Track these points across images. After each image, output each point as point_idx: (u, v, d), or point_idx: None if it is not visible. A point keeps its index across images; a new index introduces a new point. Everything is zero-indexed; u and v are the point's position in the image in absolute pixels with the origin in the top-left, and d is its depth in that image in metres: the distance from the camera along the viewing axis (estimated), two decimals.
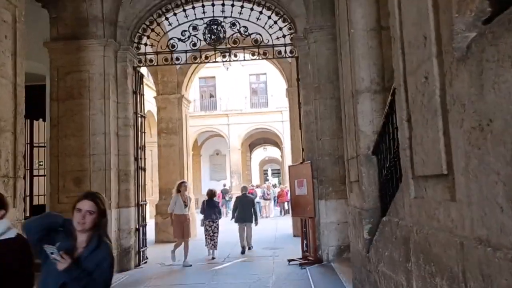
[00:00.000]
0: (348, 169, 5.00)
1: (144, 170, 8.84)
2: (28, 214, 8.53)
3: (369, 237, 4.08)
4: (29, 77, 8.57)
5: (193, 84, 30.39)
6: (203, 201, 9.56)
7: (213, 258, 8.73)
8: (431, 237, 2.30)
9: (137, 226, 8.31)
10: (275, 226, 15.56)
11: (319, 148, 7.69)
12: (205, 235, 9.06)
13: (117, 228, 7.81)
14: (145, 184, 8.83)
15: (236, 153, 29.40)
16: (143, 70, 16.73)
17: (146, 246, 8.72)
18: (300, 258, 7.89)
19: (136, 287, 6.73)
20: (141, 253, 8.45)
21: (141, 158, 8.68)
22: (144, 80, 18.85)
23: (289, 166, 8.55)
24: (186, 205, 8.64)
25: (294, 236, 11.88)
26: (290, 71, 12.15)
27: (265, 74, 30.49)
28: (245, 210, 9.78)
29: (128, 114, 8.22)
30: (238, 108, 29.75)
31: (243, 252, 9.38)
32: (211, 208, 9.18)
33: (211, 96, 30.98)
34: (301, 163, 8.11)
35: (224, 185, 26.76)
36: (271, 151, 40.25)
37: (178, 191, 8.75)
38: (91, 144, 7.64)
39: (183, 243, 8.45)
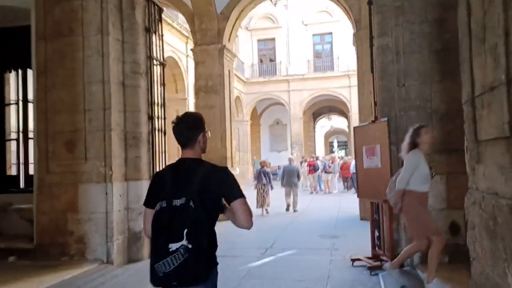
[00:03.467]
0: (473, 116, 2.51)
1: (164, 132, 6.86)
2: (23, 186, 7.03)
3: None
4: (18, 16, 6.92)
5: (251, 48, 28.38)
6: (257, 170, 12.05)
7: (267, 212, 11.08)
8: None
9: None
10: (337, 204, 13.16)
11: (401, 99, 5.14)
12: (257, 197, 11.07)
13: (123, 207, 5.97)
14: (164, 151, 6.87)
15: (297, 122, 26.99)
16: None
17: None
18: (369, 258, 5.53)
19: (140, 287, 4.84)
20: None
21: (158, 117, 6.70)
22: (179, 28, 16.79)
23: (354, 128, 6.08)
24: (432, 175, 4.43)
25: (361, 219, 9.46)
26: (358, 9, 9.41)
27: (330, 33, 27.39)
28: (291, 177, 11.76)
29: (137, 58, 6.21)
30: (300, 72, 27.05)
31: (287, 209, 11.68)
32: (262, 175, 11.27)
33: (270, 60, 28.53)
34: (373, 122, 5.61)
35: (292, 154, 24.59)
36: (336, 121, 37.25)
37: (414, 145, 4.27)
38: (86, 96, 5.77)
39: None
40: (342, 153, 43.97)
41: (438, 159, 4.92)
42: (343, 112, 30.84)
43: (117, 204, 5.79)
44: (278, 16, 27.69)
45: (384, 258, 5.41)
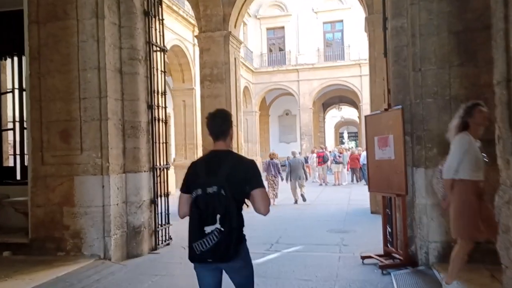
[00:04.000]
0: (508, 99, 2.15)
1: (165, 122, 6.56)
2: (19, 178, 6.80)
3: None
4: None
5: (260, 37, 27.83)
6: (266, 161, 11.87)
7: (274, 204, 10.84)
8: None
9: (153, 198, 6.14)
10: (347, 196, 12.81)
11: (417, 85, 4.74)
12: (268, 187, 10.97)
13: (122, 201, 5.68)
14: (166, 142, 6.57)
15: (307, 113, 26.51)
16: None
17: (169, 223, 6.57)
18: (380, 255, 5.19)
19: (137, 284, 4.57)
20: (160, 232, 6.32)
21: (159, 106, 6.39)
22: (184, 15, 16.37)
23: (366, 117, 5.70)
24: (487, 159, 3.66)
25: (372, 212, 9.11)
26: None
27: (341, 21, 26.71)
28: (296, 171, 11.83)
29: (135, 44, 5.89)
30: (310, 62, 26.50)
31: (296, 202, 11.59)
32: (272, 166, 11.38)
33: (280, 49, 27.99)
34: (386, 110, 5.21)
35: (302, 145, 24.21)
36: (347, 112, 36.61)
37: (465, 126, 3.63)
38: (81, 84, 5.47)
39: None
40: (352, 144, 43.45)
41: None
42: (353, 102, 30.24)
43: (115, 198, 5.52)
44: (288, 3, 27.10)
45: (396, 255, 5.06)
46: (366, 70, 25.19)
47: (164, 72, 6.66)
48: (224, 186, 2.27)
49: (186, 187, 2.46)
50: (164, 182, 6.51)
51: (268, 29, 27.92)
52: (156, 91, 6.30)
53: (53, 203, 5.48)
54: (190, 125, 17.12)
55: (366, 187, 15.93)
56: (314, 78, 26.37)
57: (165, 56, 6.68)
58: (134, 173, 5.83)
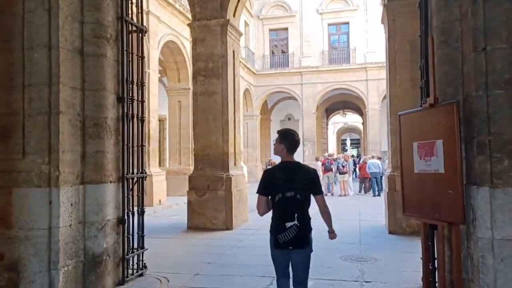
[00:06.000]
0: None
1: (141, 120, 5.22)
2: None
3: None
4: None
5: (263, 38, 26.56)
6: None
7: None
8: None
9: (122, 216, 4.79)
10: (357, 210, 11.44)
11: (479, 71, 3.39)
12: None
13: (77, 221, 4.32)
14: (142, 145, 5.24)
15: (310, 118, 25.23)
16: None
17: (143, 247, 5.22)
18: None
19: None
20: (130, 261, 4.96)
21: (133, 100, 5.07)
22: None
23: (400, 116, 4.34)
24: None
25: (390, 233, 7.76)
26: None
27: (347, 23, 25.48)
28: None
29: (102, 18, 4.56)
30: (314, 65, 25.23)
31: None
32: None
33: (282, 51, 26.73)
34: (432, 106, 3.85)
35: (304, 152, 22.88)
36: (350, 118, 35.32)
37: None
38: (26, 67, 4.14)
39: None
40: (354, 151, 42.25)
41: None
42: (358, 108, 28.97)
43: (67, 217, 4.16)
44: (292, 4, 25.91)
45: None
46: (372, 74, 24.13)
47: (142, 57, 5.34)
48: (299, 191, 3.21)
49: (264, 190, 3.32)
50: (138, 196, 5.18)
51: (270, 30, 26.70)
52: (129, 80, 4.98)
53: None
54: (186, 127, 15.82)
55: (375, 198, 14.70)
56: (318, 82, 25.12)
57: (144, 37, 5.36)
58: (95, 184, 4.48)
